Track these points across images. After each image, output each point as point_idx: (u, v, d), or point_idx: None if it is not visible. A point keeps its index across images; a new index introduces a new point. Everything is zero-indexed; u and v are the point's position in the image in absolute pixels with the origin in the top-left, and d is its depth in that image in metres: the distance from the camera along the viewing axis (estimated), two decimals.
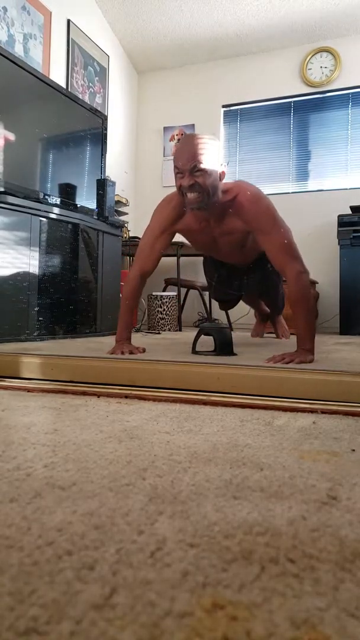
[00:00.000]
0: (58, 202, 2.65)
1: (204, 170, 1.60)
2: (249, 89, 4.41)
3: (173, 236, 1.88)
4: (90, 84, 3.97)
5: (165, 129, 4.72)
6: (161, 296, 3.61)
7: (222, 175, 1.68)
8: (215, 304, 3.50)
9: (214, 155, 1.63)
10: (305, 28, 4.05)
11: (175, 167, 1.63)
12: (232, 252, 2.00)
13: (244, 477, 0.66)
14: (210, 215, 1.78)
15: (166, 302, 3.59)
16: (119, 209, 4.08)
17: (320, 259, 4.00)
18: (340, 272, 3.55)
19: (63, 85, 3.56)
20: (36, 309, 2.45)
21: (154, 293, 3.66)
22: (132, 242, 3.82)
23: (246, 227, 1.77)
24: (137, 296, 1.88)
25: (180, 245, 3.41)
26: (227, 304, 2.72)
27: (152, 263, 1.84)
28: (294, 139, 4.33)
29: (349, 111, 4.16)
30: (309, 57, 4.20)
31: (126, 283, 1.87)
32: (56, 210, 2.59)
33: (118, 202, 3.96)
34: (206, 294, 3.96)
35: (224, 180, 1.72)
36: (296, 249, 1.69)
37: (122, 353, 1.68)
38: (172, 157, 4.64)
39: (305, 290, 1.62)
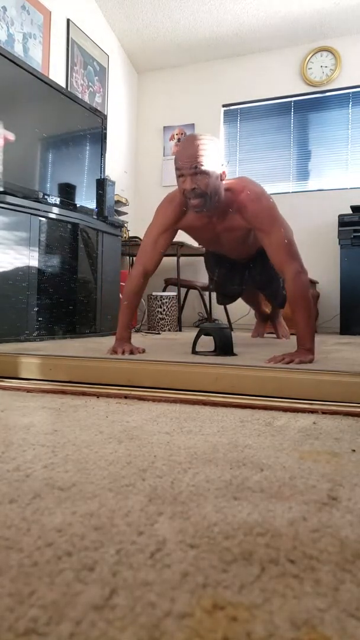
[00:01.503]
0: (58, 202, 2.65)
1: (205, 173, 1.59)
2: (249, 89, 4.41)
3: (175, 234, 1.89)
4: (90, 84, 3.97)
5: (165, 128, 4.71)
6: (161, 296, 3.61)
7: (223, 174, 1.68)
8: (215, 304, 3.50)
9: (215, 156, 1.62)
10: (306, 27, 4.05)
11: (177, 168, 1.63)
12: (235, 247, 2.03)
13: (244, 477, 0.66)
14: (213, 214, 1.78)
15: (166, 302, 3.59)
16: (119, 209, 4.07)
17: (320, 259, 3.99)
18: (341, 272, 3.55)
19: (63, 84, 3.56)
20: (36, 309, 2.45)
21: (154, 293, 3.66)
22: (132, 242, 3.82)
23: (247, 225, 1.79)
24: (139, 296, 1.88)
25: (180, 245, 3.40)
26: (226, 299, 2.69)
27: (154, 262, 1.85)
28: (294, 139, 4.33)
29: (349, 110, 4.16)
30: (309, 56, 4.20)
31: (128, 282, 1.85)
32: (56, 210, 2.59)
33: (118, 202, 3.96)
34: (206, 294, 3.96)
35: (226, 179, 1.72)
36: (295, 248, 1.69)
37: (123, 353, 1.68)
38: (172, 157, 4.67)
39: (304, 290, 1.62)
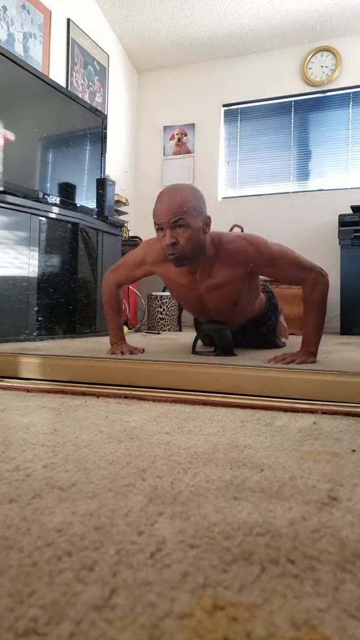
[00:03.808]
0: (58, 202, 2.65)
1: (186, 226, 1.49)
2: (249, 88, 4.41)
3: (153, 273, 1.80)
4: (90, 83, 3.96)
5: (165, 128, 4.71)
6: (161, 296, 3.60)
7: (205, 227, 1.56)
8: None
9: (195, 208, 1.51)
10: (306, 27, 4.05)
11: (155, 223, 1.52)
12: (222, 311, 1.78)
13: (244, 477, 0.66)
14: (196, 269, 1.65)
15: (166, 302, 3.59)
16: (119, 209, 4.07)
17: (320, 259, 3.95)
18: (341, 272, 3.55)
19: (63, 84, 3.56)
20: (35, 308, 2.45)
21: (154, 293, 3.66)
22: (132, 242, 3.82)
23: (246, 270, 1.65)
24: (120, 299, 1.86)
25: None
26: None
27: (128, 281, 1.87)
28: (294, 139, 4.33)
29: (350, 110, 4.16)
30: (310, 56, 4.20)
31: (105, 290, 1.84)
32: (56, 209, 2.59)
33: (118, 202, 3.96)
34: None
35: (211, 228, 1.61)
36: (304, 260, 1.63)
37: (122, 353, 1.68)
38: (172, 157, 4.68)
39: (322, 295, 1.59)
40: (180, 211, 1.48)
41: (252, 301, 1.88)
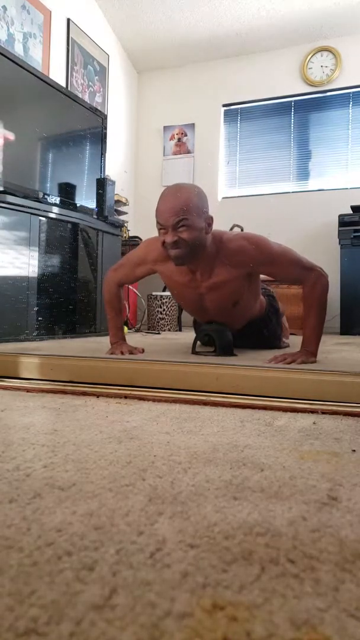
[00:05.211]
0: (58, 202, 2.65)
1: (188, 226, 1.49)
2: (249, 88, 4.41)
3: (152, 272, 1.80)
4: (90, 83, 3.97)
5: (165, 128, 4.71)
6: (161, 296, 3.60)
7: (207, 227, 1.57)
8: None
9: (198, 208, 1.51)
10: (306, 27, 4.05)
11: (158, 222, 1.53)
12: (222, 311, 1.77)
13: (244, 477, 0.66)
14: (197, 268, 1.65)
15: (166, 302, 3.59)
16: (119, 209, 4.07)
17: (320, 259, 3.95)
18: (341, 272, 3.55)
19: (63, 84, 3.56)
20: (35, 308, 2.45)
21: (153, 293, 3.66)
22: (132, 242, 3.82)
23: (246, 269, 1.65)
24: (121, 299, 1.86)
25: None
26: None
27: (129, 281, 1.86)
28: (294, 139, 4.33)
29: (350, 110, 4.16)
30: (310, 56, 4.20)
31: (106, 289, 1.84)
32: (56, 209, 2.59)
33: (118, 202, 3.96)
34: None
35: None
36: (305, 259, 1.63)
37: (122, 353, 1.68)
38: (172, 157, 4.68)
39: (322, 294, 1.59)
40: (184, 212, 1.48)
41: (253, 302, 1.87)
